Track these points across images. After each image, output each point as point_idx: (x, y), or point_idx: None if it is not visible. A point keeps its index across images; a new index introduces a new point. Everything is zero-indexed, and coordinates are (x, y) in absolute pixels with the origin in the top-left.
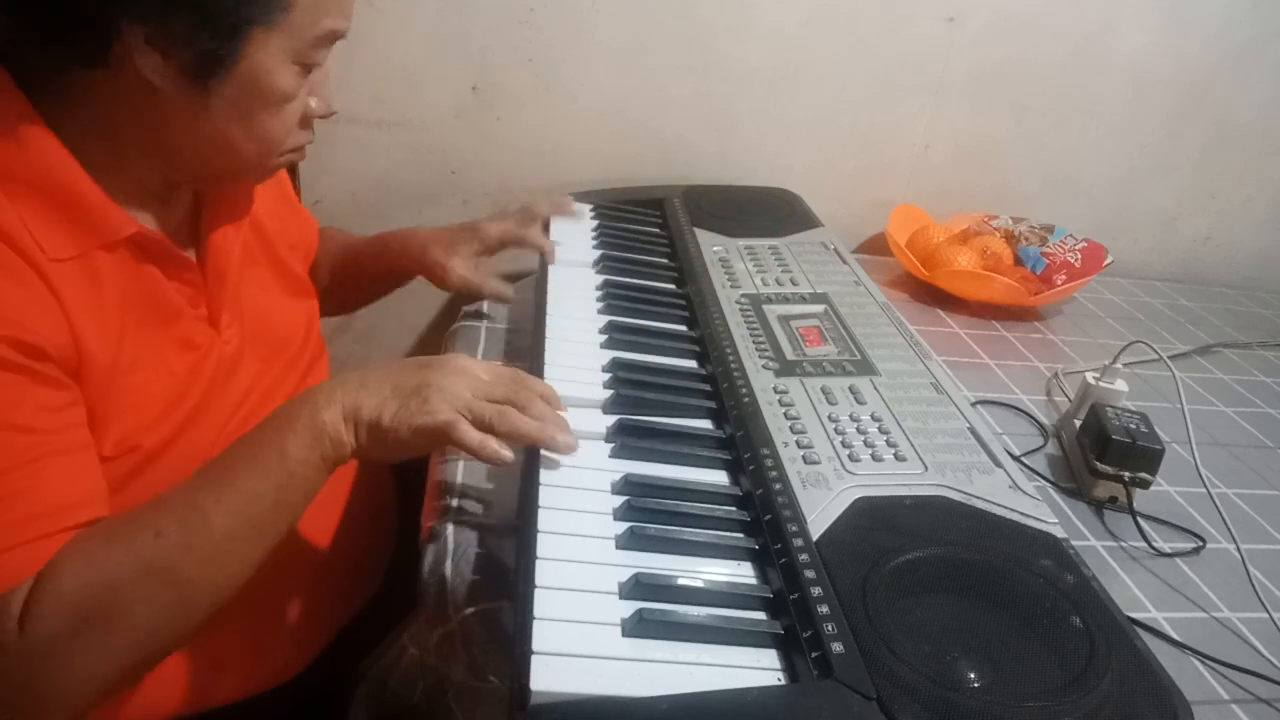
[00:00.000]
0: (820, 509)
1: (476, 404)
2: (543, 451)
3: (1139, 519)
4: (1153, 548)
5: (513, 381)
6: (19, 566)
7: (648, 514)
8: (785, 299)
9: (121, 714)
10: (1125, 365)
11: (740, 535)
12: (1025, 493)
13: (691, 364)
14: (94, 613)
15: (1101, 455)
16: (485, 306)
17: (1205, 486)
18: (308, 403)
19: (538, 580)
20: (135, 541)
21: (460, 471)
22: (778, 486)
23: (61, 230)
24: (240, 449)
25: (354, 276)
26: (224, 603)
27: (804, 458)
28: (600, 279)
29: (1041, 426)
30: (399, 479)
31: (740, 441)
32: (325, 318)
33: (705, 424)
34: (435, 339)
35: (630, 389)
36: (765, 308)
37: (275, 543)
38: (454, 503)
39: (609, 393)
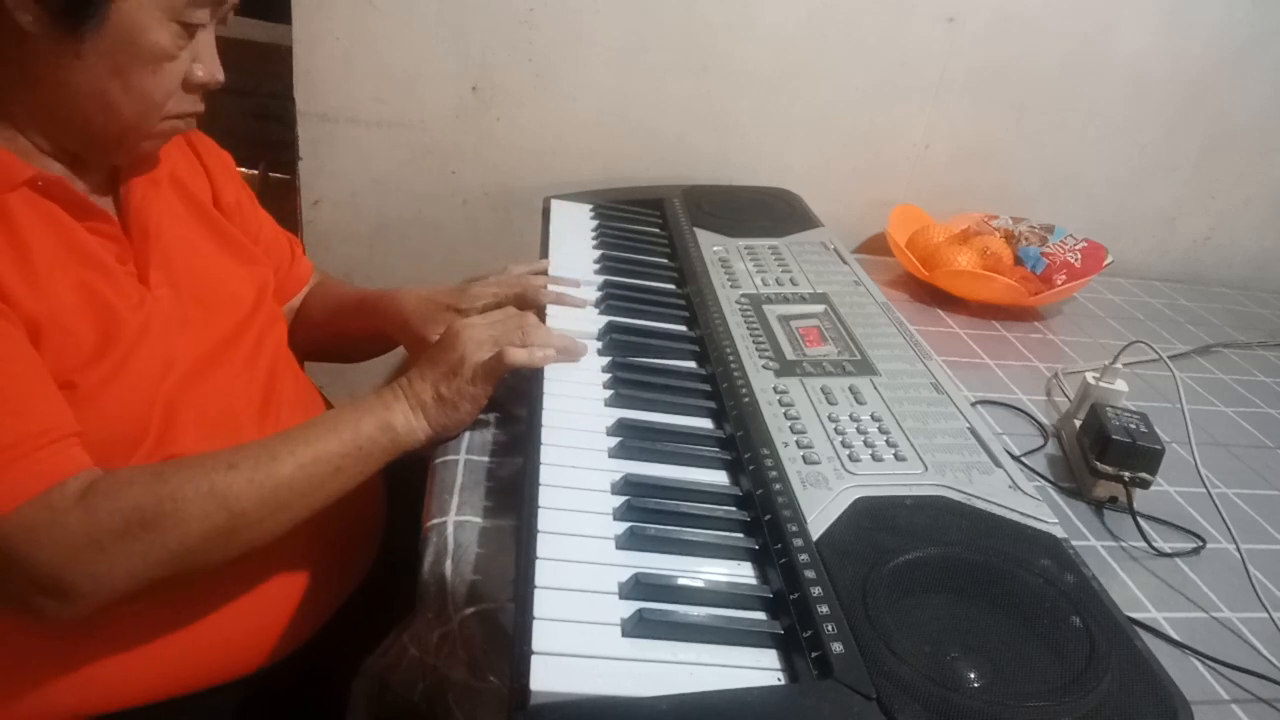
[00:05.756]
0: (820, 509)
1: (499, 333)
2: (544, 444)
3: (1139, 519)
4: (1153, 548)
5: (510, 316)
6: (53, 465)
7: (648, 514)
8: (785, 299)
9: (116, 693)
10: (1125, 365)
11: (740, 535)
12: (1025, 493)
13: (691, 364)
14: (151, 518)
15: (1101, 455)
16: None
17: (1205, 486)
18: (381, 399)
19: (538, 580)
20: (208, 467)
21: (460, 471)
22: (778, 486)
23: None
24: (325, 419)
25: (345, 332)
26: (258, 547)
27: (804, 458)
28: (600, 279)
29: (1041, 426)
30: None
31: (740, 441)
32: (329, 363)
33: (705, 424)
34: None
35: (630, 389)
36: (765, 308)
37: (320, 507)
38: (454, 503)
39: (609, 393)
